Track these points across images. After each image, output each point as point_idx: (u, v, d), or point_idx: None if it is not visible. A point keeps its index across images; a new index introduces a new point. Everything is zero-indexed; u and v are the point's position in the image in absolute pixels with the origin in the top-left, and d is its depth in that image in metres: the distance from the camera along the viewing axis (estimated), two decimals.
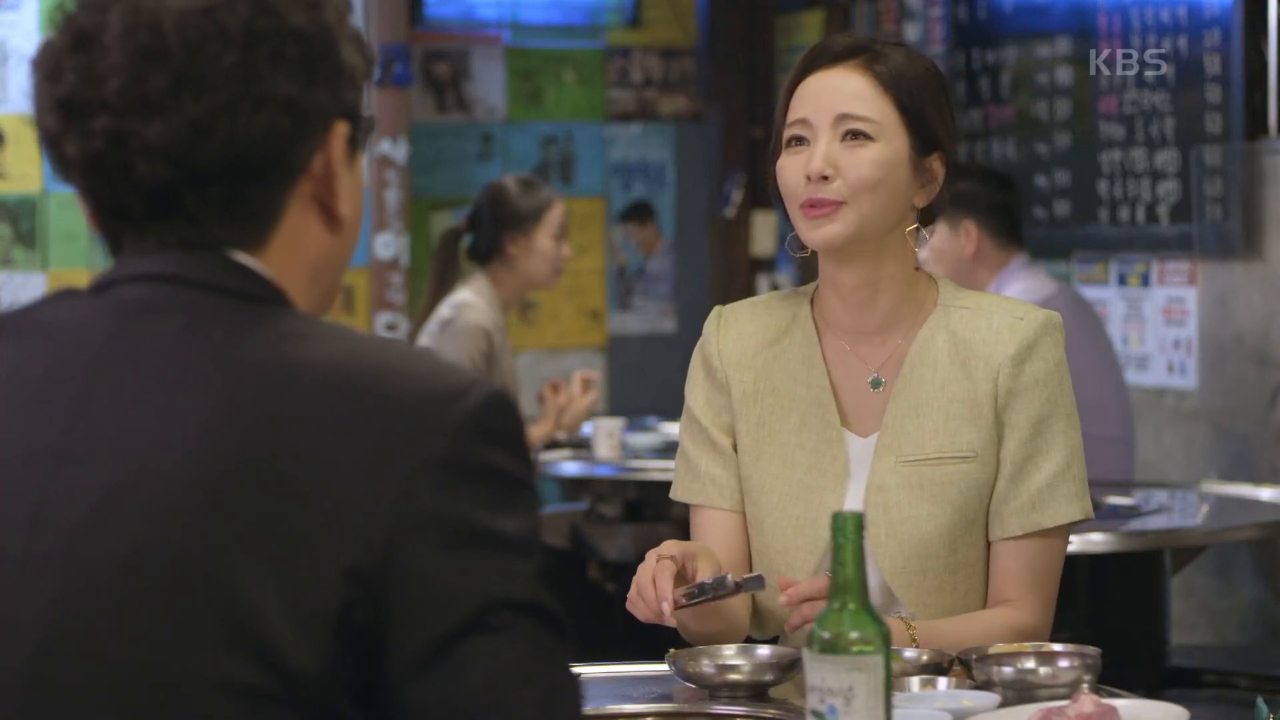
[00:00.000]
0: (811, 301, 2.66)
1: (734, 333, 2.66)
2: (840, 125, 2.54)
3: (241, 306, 1.50)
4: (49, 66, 1.51)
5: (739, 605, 2.58)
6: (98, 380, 1.47)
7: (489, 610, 1.42)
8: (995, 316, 2.57)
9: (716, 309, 2.71)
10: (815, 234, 2.54)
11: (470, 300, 5.35)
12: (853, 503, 2.58)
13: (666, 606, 2.34)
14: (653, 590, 2.35)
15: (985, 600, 2.59)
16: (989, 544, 2.58)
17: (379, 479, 1.42)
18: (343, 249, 1.59)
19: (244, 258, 1.52)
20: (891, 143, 2.54)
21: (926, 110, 2.56)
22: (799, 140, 2.56)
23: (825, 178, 2.52)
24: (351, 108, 1.56)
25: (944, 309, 2.60)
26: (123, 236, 1.54)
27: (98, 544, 1.42)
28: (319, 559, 1.40)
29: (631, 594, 2.39)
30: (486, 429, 1.45)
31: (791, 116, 2.57)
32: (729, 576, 2.40)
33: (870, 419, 2.60)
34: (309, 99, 1.52)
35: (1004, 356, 2.54)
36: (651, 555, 2.40)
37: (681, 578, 2.40)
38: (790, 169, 2.56)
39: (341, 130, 1.55)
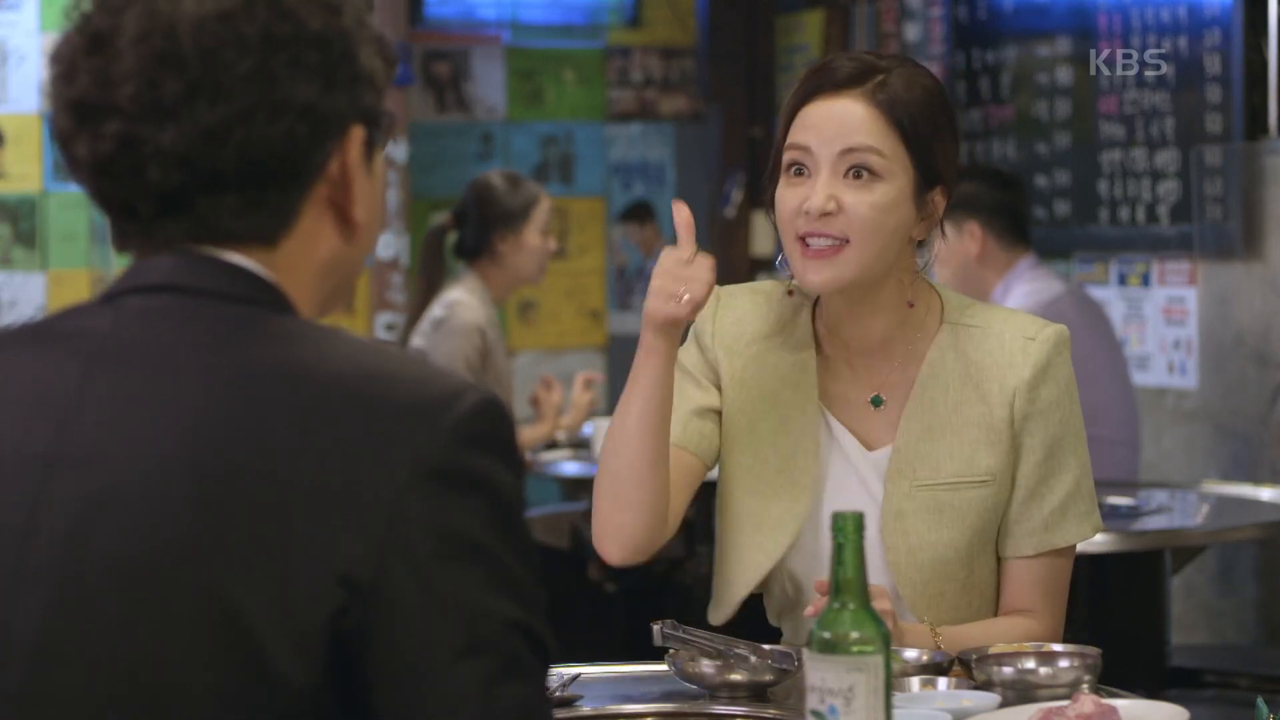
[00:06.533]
0: (815, 305, 2.62)
1: (732, 317, 2.63)
2: (844, 160, 2.47)
3: (235, 311, 1.49)
4: (64, 66, 1.50)
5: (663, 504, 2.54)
6: (90, 386, 1.47)
7: (475, 623, 1.42)
8: (1005, 336, 2.54)
9: (715, 289, 2.63)
10: (813, 277, 2.48)
11: (463, 298, 5.32)
12: (846, 506, 2.55)
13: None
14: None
15: (994, 612, 2.59)
16: (999, 559, 2.59)
17: (370, 489, 1.41)
18: (357, 252, 1.58)
19: (244, 260, 1.51)
20: (896, 181, 2.47)
21: (932, 144, 2.49)
22: (799, 170, 2.50)
23: (827, 213, 2.46)
24: (370, 111, 1.54)
25: (950, 326, 2.57)
26: (130, 233, 1.53)
27: (88, 552, 1.42)
28: (310, 569, 1.39)
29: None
30: (477, 437, 1.44)
31: (793, 140, 2.51)
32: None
33: (873, 434, 2.57)
34: (326, 104, 1.50)
35: (1019, 380, 2.52)
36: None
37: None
38: (788, 200, 2.50)
39: (359, 135, 1.54)
